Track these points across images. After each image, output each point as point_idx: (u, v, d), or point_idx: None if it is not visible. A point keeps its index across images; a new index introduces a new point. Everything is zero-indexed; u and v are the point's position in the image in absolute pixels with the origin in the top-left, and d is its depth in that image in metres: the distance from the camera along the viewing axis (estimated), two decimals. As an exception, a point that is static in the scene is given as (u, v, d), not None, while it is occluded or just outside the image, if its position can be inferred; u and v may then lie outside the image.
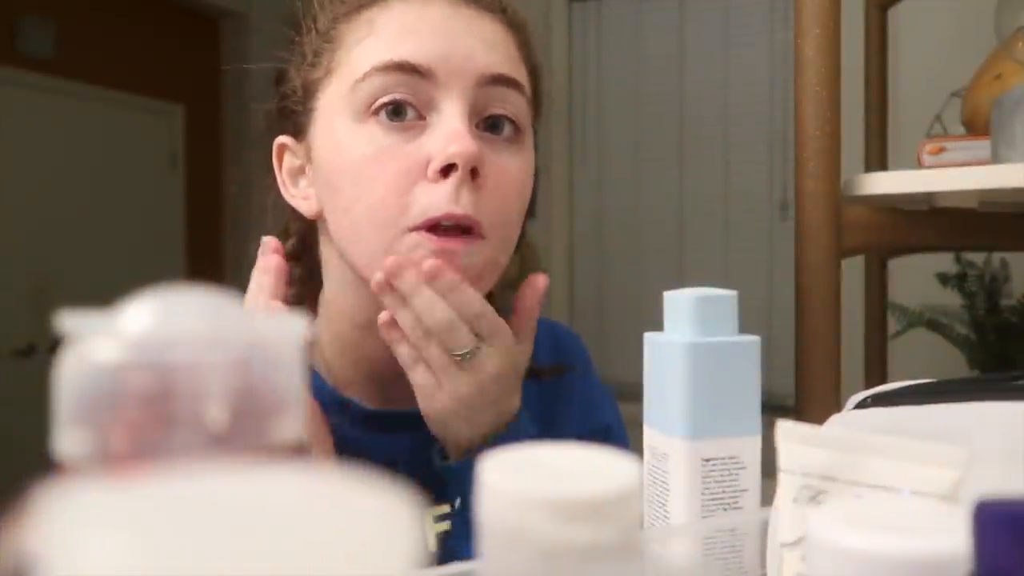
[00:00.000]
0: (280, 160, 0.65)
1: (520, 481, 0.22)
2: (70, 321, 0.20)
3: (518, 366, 0.59)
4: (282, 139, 0.65)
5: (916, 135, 1.12)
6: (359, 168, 0.57)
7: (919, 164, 0.93)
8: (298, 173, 0.64)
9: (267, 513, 0.16)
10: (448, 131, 0.56)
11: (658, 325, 0.50)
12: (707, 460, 0.44)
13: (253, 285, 0.61)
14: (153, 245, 3.26)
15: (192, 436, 0.20)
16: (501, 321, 0.57)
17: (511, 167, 0.60)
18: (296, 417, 0.22)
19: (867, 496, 0.33)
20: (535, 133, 0.67)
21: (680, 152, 2.83)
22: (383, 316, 0.57)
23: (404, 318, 0.56)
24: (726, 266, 2.74)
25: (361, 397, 0.66)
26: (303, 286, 0.68)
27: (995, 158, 0.85)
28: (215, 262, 3.27)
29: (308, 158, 0.63)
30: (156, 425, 0.20)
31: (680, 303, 0.46)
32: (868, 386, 0.55)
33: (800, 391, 0.87)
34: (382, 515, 0.17)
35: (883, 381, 0.90)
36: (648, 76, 2.88)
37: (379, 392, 0.66)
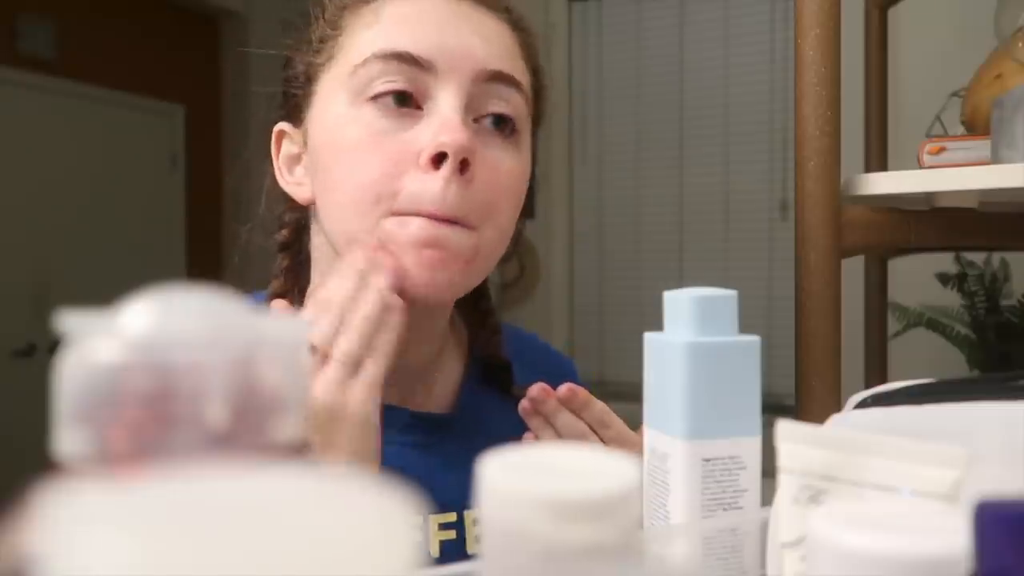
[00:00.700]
0: (278, 146, 0.66)
1: (520, 481, 0.22)
2: (70, 321, 0.20)
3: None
4: (281, 125, 0.66)
5: (916, 135, 1.12)
6: (352, 150, 0.58)
7: (919, 164, 0.93)
8: (295, 161, 0.65)
9: (267, 513, 0.16)
10: (442, 121, 0.56)
11: (658, 325, 0.49)
12: (707, 460, 0.44)
13: None
14: (153, 245, 3.26)
15: (192, 436, 0.20)
16: (625, 428, 0.62)
17: (503, 164, 0.60)
18: (296, 417, 0.22)
19: (867, 496, 0.33)
20: (535, 139, 0.67)
21: (680, 152, 2.83)
22: (527, 437, 0.61)
23: (546, 436, 0.61)
24: (726, 266, 2.74)
25: None
26: (291, 278, 0.68)
27: (995, 158, 0.85)
28: (215, 262, 3.27)
29: (305, 144, 0.64)
30: (156, 425, 0.20)
31: (680, 303, 0.46)
32: (868, 386, 0.55)
33: (800, 391, 0.86)
34: (382, 515, 0.17)
35: (883, 381, 0.90)
36: (648, 76, 2.88)
37: None
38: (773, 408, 0.77)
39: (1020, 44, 0.98)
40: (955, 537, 0.25)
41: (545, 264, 2.98)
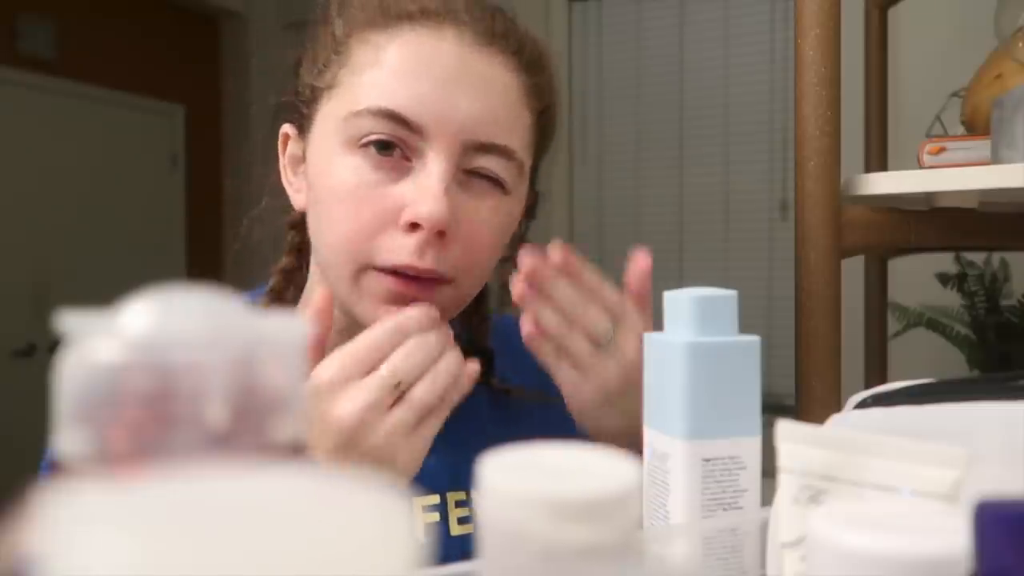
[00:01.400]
0: (284, 145, 0.68)
1: (520, 481, 0.22)
2: (70, 321, 0.20)
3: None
4: (288, 128, 0.67)
5: (916, 135, 1.12)
6: (339, 199, 0.59)
7: (919, 164, 0.93)
8: (298, 163, 0.66)
9: (267, 513, 0.16)
10: (424, 187, 0.57)
11: (658, 325, 0.50)
12: (707, 460, 0.44)
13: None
14: (153, 245, 3.26)
15: (192, 436, 0.20)
16: (627, 302, 0.59)
17: (485, 221, 0.60)
18: (296, 417, 0.22)
19: (867, 496, 0.33)
20: (536, 169, 0.67)
21: (680, 152, 2.83)
22: (526, 329, 0.58)
23: (548, 315, 0.57)
24: (726, 266, 2.74)
25: None
26: (290, 276, 0.70)
27: (995, 158, 0.85)
28: (215, 262, 3.27)
29: (304, 157, 0.65)
30: (156, 425, 0.20)
31: (680, 303, 0.46)
32: (868, 386, 0.55)
33: (800, 391, 0.86)
34: (382, 515, 0.17)
35: (883, 381, 0.90)
36: (648, 76, 2.88)
37: None
38: (773, 408, 0.77)
39: (1020, 44, 0.98)
40: (955, 537, 0.25)
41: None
